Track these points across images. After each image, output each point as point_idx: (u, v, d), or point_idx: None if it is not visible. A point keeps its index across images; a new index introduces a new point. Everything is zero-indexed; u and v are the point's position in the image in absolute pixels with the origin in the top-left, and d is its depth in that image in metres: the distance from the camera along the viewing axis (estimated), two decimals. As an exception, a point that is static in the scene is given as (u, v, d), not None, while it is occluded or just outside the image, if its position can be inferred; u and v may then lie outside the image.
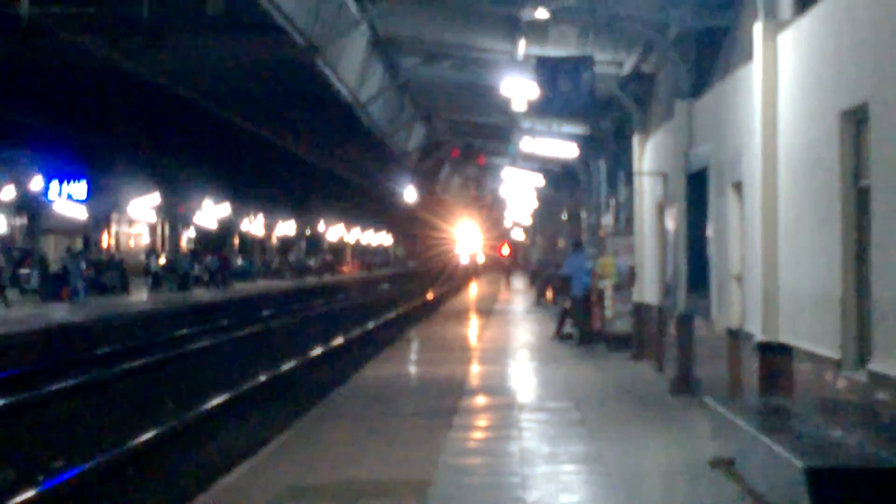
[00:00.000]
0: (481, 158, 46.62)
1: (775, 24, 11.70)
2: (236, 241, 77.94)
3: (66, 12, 26.78)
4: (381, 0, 21.63)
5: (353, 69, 25.24)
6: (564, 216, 42.10)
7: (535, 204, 54.36)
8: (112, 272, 49.36)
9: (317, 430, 13.63)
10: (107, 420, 17.43)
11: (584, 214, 33.83)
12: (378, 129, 33.87)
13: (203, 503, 9.79)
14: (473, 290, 62.46)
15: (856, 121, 9.53)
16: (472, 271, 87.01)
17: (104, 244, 59.63)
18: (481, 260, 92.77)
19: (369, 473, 10.77)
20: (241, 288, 58.60)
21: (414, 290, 65.76)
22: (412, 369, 21.23)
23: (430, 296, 59.13)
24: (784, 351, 11.40)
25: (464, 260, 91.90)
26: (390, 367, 21.31)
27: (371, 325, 37.52)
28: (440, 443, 12.33)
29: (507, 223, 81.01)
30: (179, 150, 50.48)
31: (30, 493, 11.79)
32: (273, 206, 79.06)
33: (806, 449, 8.11)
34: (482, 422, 14.36)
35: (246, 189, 66.85)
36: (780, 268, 11.73)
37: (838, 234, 9.77)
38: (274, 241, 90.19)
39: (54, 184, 47.13)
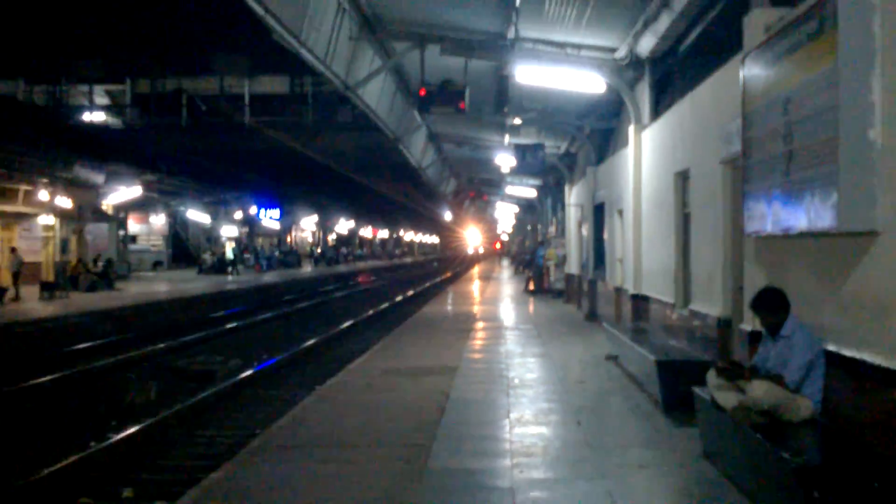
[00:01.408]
0: (485, 197, 46.38)
1: (641, 126, 11.67)
2: (357, 241, 78.07)
3: (268, 120, 27.07)
4: (433, 113, 21.57)
5: (418, 149, 25.22)
6: (529, 227, 41.89)
7: (514, 220, 54.10)
8: (292, 256, 49.80)
9: (397, 340, 13.66)
10: (289, 333, 17.58)
11: (539, 226, 33.67)
12: (430, 181, 33.78)
13: (341, 377, 9.85)
14: (479, 267, 62.02)
15: (683, 178, 9.49)
16: (477, 257, 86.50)
17: (289, 241, 59.81)
18: (482, 251, 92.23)
19: (425, 362, 10.78)
20: (360, 265, 58.61)
21: (447, 267, 65.53)
22: (448, 308, 21.17)
23: (455, 270, 58.83)
24: (645, 299, 11.36)
25: (471, 251, 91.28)
26: (437, 307, 21.30)
27: (427, 283, 37.45)
28: (462, 347, 12.34)
29: (498, 231, 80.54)
30: (327, 192, 50.54)
31: (249, 372, 11.95)
32: (376, 221, 79.14)
33: (656, 351, 8.09)
34: (484, 335, 14.36)
35: (362, 213, 66.84)
36: (642, 256, 11.69)
37: (673, 238, 9.73)
38: (377, 240, 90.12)
39: (262, 211, 47.46)
